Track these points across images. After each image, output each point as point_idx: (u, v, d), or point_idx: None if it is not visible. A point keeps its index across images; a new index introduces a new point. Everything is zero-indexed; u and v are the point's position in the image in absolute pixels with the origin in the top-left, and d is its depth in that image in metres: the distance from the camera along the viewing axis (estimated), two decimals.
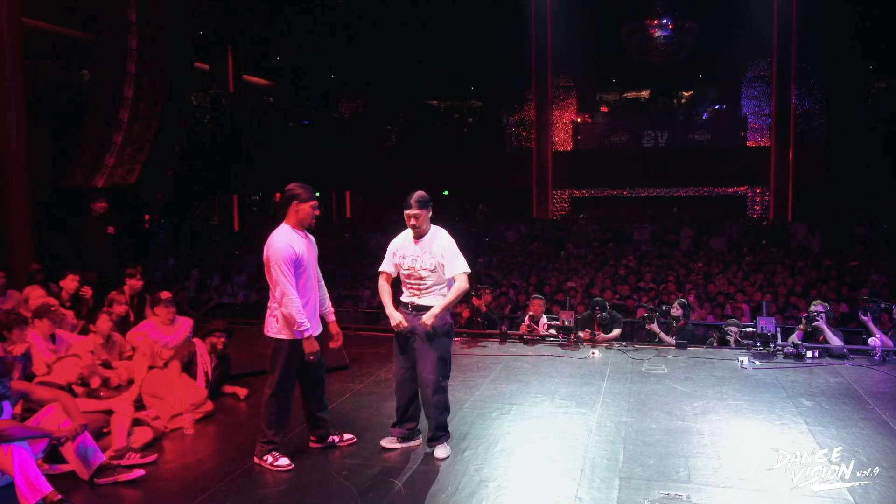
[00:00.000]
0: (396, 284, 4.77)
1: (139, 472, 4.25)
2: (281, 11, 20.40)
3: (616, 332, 7.94)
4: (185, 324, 6.65)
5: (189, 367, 5.58)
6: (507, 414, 5.38)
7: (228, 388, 5.91)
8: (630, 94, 25.68)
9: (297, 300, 4.28)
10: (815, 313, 7.11)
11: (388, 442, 4.74)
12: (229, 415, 5.52)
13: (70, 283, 7.38)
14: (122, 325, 6.65)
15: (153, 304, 6.79)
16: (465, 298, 6.90)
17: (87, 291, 7.43)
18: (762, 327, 7.13)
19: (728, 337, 7.76)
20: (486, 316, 8.43)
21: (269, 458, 4.37)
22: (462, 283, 4.53)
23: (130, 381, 5.80)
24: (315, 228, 4.54)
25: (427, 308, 4.53)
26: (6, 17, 9.30)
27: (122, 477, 4.18)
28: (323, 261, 4.76)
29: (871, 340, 7.04)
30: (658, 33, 20.32)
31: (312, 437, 4.74)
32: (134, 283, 7.32)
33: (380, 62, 22.35)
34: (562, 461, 4.43)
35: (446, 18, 20.87)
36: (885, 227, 17.29)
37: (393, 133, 25.55)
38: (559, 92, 23.41)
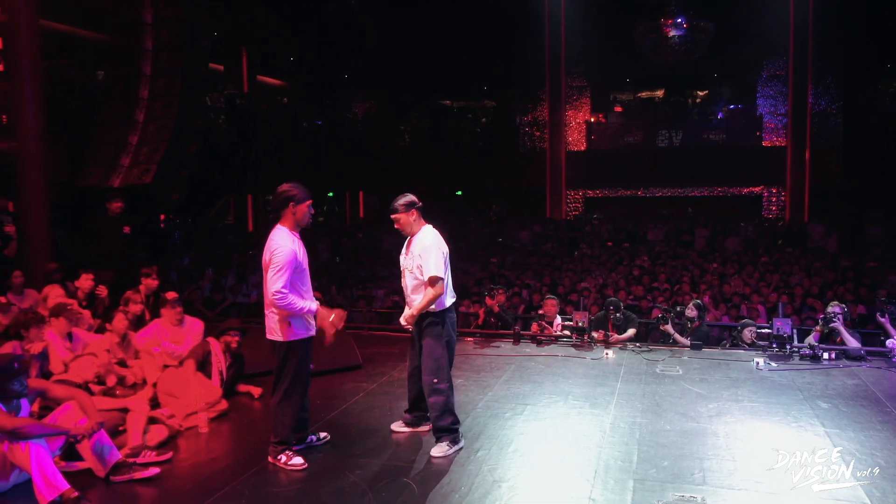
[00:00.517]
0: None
1: (154, 471, 4.29)
2: (294, 12, 20.47)
3: (630, 332, 7.87)
4: (195, 324, 6.61)
5: (204, 366, 5.63)
6: (520, 414, 5.37)
7: (242, 387, 5.95)
8: (644, 94, 25.48)
9: (296, 300, 4.30)
10: (832, 314, 7.03)
11: (397, 426, 4.97)
12: (243, 413, 5.55)
13: (85, 282, 7.47)
14: (138, 325, 6.70)
15: (160, 305, 6.79)
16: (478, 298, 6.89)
17: (103, 290, 7.51)
18: (778, 329, 7.08)
19: (741, 342, 7.69)
20: (500, 316, 8.40)
21: (283, 458, 4.39)
22: (431, 289, 4.54)
23: (146, 380, 5.85)
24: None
25: None
26: (23, 18, 9.39)
27: (138, 475, 4.22)
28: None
29: (888, 342, 6.96)
30: (672, 32, 20.15)
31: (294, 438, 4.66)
32: (149, 283, 7.37)
33: (393, 62, 22.34)
34: (575, 462, 4.41)
35: (459, 18, 20.81)
36: None
37: (406, 133, 25.51)
38: (573, 91, 23.28)
